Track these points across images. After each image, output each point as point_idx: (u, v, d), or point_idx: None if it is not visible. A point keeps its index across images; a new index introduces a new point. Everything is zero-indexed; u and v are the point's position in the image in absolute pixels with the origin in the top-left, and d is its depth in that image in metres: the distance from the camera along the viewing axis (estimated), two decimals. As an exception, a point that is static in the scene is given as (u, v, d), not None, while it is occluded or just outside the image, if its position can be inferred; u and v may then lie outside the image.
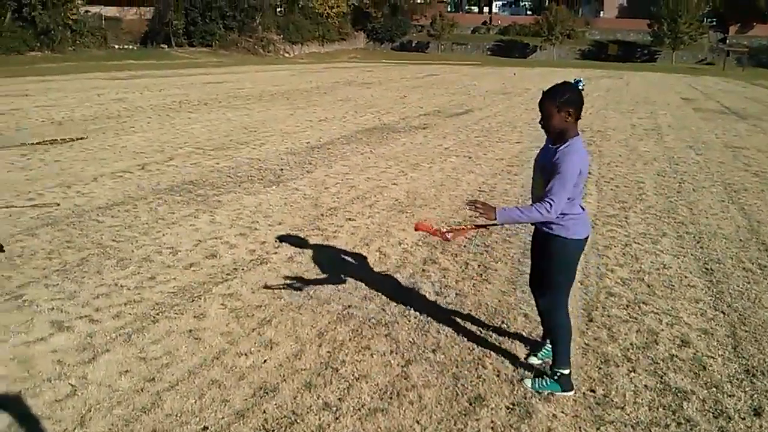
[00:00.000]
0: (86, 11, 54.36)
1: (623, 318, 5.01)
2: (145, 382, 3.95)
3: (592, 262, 6.22)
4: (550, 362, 4.04)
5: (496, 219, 3.62)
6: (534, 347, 4.43)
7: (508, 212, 3.63)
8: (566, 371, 3.91)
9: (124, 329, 4.63)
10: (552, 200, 3.49)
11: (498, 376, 4.10)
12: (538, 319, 4.80)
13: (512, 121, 16.98)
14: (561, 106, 3.52)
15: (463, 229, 4.15)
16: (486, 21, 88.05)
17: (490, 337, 4.62)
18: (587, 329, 4.79)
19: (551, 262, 3.81)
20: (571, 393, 3.90)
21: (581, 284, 5.62)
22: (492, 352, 4.38)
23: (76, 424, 3.53)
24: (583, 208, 3.76)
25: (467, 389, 3.94)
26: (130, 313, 4.90)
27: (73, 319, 4.78)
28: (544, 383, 3.94)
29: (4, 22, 45.27)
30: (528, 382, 4.00)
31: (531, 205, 3.63)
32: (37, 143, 7.48)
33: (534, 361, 4.28)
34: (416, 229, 4.14)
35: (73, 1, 51.21)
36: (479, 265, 6.07)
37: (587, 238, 3.80)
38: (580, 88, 3.58)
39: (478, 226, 4.26)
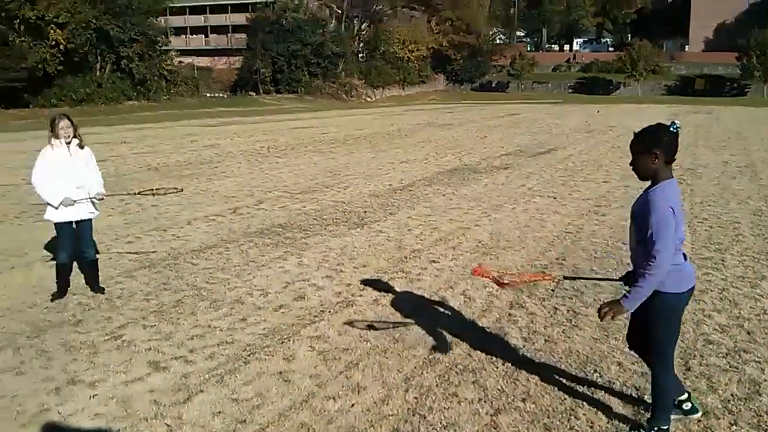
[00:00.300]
0: (180, 62, 57.57)
1: (723, 367, 4.77)
2: (237, 424, 4.04)
3: (689, 307, 5.95)
4: (648, 415, 3.88)
5: (629, 310, 3.51)
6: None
7: (632, 297, 3.45)
8: (665, 427, 3.75)
9: (217, 370, 4.77)
10: (655, 255, 3.33)
11: (591, 427, 3.96)
12: (632, 368, 4.66)
13: (597, 160, 16.66)
14: (648, 148, 3.44)
15: (522, 277, 4.09)
16: (569, 59, 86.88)
17: (582, 386, 4.48)
18: (685, 379, 4.57)
19: (649, 318, 3.61)
20: None
21: (677, 331, 5.40)
22: (584, 403, 4.24)
23: (173, 464, 3.64)
24: (685, 257, 3.59)
25: (559, 440, 3.84)
26: (222, 354, 5.05)
27: (169, 359, 4.97)
28: None
29: (104, 74, 48.37)
30: None
31: (642, 271, 3.44)
32: (137, 193, 7.89)
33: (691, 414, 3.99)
34: (473, 274, 4.13)
35: (168, 53, 54.31)
36: (569, 311, 5.93)
37: (690, 290, 3.60)
38: (672, 130, 3.46)
39: (542, 277, 4.20)
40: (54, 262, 6.55)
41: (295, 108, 49.91)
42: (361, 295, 6.38)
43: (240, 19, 70.51)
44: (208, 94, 58.56)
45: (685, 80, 72.78)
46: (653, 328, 3.63)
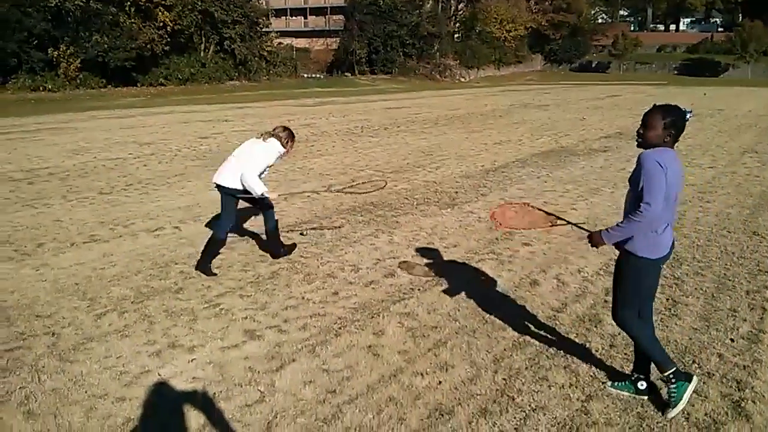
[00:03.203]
0: (279, 43, 58.76)
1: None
2: (327, 394, 4.13)
3: (800, 300, 5.62)
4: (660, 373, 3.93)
5: (606, 242, 3.84)
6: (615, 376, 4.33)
7: (612, 233, 3.78)
8: (673, 367, 3.86)
9: (309, 341, 4.89)
10: (647, 202, 3.54)
11: (687, 419, 3.80)
12: (734, 360, 4.49)
13: (703, 144, 15.84)
14: (668, 125, 3.65)
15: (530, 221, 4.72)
16: (708, 37, 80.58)
17: (680, 376, 4.30)
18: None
19: (617, 275, 3.92)
20: (696, 379, 3.89)
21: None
22: (682, 393, 4.07)
23: (263, 430, 3.76)
24: (663, 229, 3.74)
25: (653, 431, 3.70)
26: (314, 326, 5.16)
27: (263, 328, 5.13)
28: (675, 393, 3.84)
29: (208, 54, 50.04)
30: (670, 412, 3.84)
31: (629, 215, 3.70)
32: (339, 191, 8.02)
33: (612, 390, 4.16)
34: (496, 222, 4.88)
35: (269, 34, 55.53)
36: (668, 299, 5.68)
37: (661, 259, 3.78)
38: (686, 117, 3.69)
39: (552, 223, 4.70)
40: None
41: (388, 88, 49.99)
42: (451, 275, 6.36)
43: (338, 0, 71.18)
44: (306, 75, 59.54)
45: (801, 62, 67.80)
46: (622, 284, 3.89)
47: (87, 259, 6.97)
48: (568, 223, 4.79)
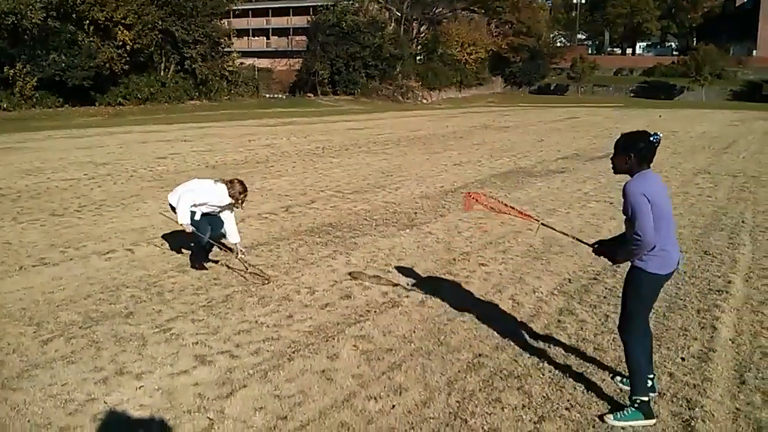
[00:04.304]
0: (241, 63, 58.50)
1: (782, 382, 4.55)
2: (278, 420, 4.05)
3: (746, 318, 5.74)
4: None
5: (618, 264, 4.19)
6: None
7: (620, 254, 4.08)
8: (645, 398, 3.97)
9: (261, 366, 4.81)
10: (637, 234, 3.75)
11: (639, 439, 3.83)
12: (684, 379, 4.56)
13: (657, 165, 15.98)
14: (623, 150, 3.94)
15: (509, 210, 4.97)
16: (674, 62, 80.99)
17: (631, 396, 4.34)
18: (739, 392, 4.39)
19: (627, 290, 4.05)
20: (653, 421, 3.94)
21: (732, 342, 5.20)
22: (632, 413, 4.10)
23: (213, 457, 3.67)
24: (672, 247, 3.94)
25: (604, 451, 3.72)
26: (267, 350, 5.08)
27: (215, 353, 5.03)
28: (626, 413, 3.97)
29: (168, 73, 49.54)
30: (610, 417, 3.98)
31: (630, 244, 3.90)
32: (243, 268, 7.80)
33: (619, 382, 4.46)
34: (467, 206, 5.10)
35: (230, 54, 55.29)
36: (619, 318, 5.75)
37: (668, 275, 3.95)
38: (651, 139, 3.89)
39: (526, 216, 5.00)
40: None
41: (351, 109, 50.09)
42: (407, 296, 6.34)
43: (301, 21, 71.45)
44: (268, 95, 59.37)
45: (753, 86, 69.82)
46: (627, 299, 4.05)
47: (36, 282, 6.78)
48: (544, 225, 5.02)
